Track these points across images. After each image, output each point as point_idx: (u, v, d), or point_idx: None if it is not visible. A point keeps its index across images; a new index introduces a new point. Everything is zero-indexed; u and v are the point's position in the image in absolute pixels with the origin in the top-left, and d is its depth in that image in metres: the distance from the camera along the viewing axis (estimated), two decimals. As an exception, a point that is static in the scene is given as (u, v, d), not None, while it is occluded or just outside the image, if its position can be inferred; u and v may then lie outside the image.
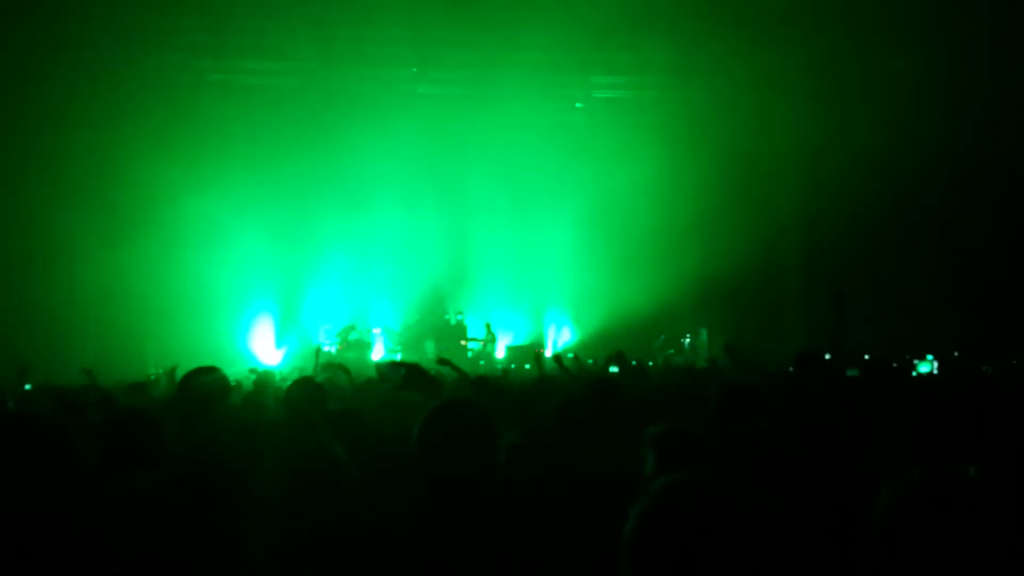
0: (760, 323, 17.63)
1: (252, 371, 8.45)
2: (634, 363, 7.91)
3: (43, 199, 15.40)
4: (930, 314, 16.25)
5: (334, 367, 6.56)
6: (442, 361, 6.54)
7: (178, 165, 16.01)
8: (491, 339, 17.91)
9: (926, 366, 6.05)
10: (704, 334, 17.61)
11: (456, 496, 2.11)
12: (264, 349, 17.83)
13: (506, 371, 9.35)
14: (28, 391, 7.02)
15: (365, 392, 5.58)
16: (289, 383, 4.85)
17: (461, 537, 1.99)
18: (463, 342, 17.72)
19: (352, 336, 17.56)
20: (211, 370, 3.90)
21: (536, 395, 5.06)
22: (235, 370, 8.94)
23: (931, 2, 14.59)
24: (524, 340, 18.63)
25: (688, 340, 17.92)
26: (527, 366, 14.05)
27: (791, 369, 7.40)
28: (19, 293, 14.70)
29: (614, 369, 7.38)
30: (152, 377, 10.68)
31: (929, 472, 1.59)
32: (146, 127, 16.32)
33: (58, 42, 15.53)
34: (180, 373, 10.43)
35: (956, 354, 13.29)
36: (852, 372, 3.75)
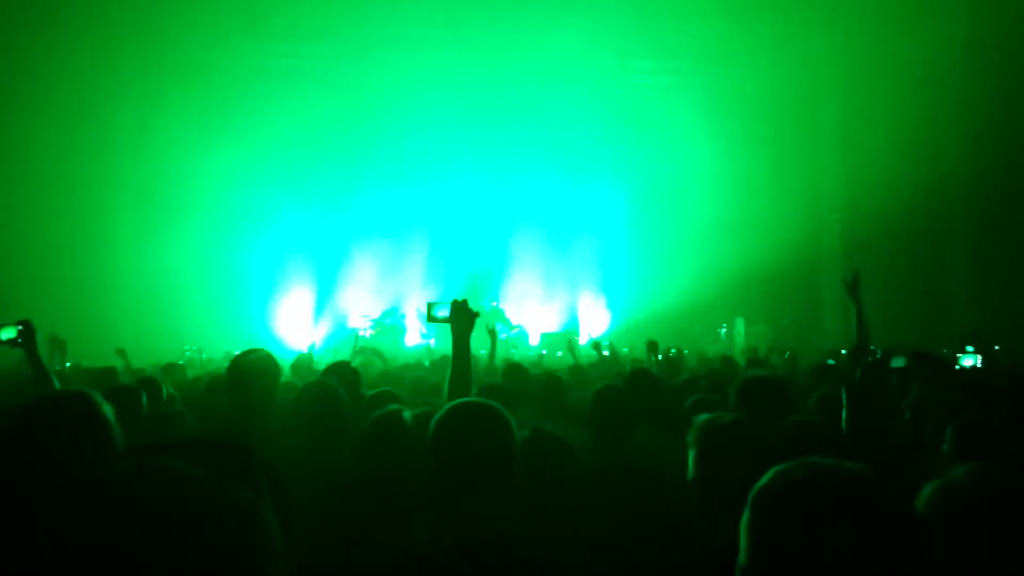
0: (798, 314, 17.40)
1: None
2: (672, 352, 7.85)
3: (81, 182, 15.64)
4: (970, 305, 15.92)
5: (368, 351, 6.58)
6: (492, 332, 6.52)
7: (217, 148, 16.21)
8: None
9: (969, 359, 5.88)
10: (741, 324, 17.43)
11: (470, 501, 2.08)
12: (301, 331, 18.00)
13: (540, 358, 9.32)
14: (65, 370, 7.11)
15: (399, 377, 5.60)
16: (324, 366, 4.87)
17: (474, 546, 1.96)
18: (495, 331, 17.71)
19: (388, 321, 17.67)
20: (258, 350, 3.95)
21: (570, 383, 5.02)
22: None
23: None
24: (560, 328, 18.59)
25: (724, 330, 17.75)
26: (559, 353, 14.02)
27: (830, 362, 7.31)
28: (58, 274, 14.95)
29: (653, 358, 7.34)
30: (188, 354, 10.85)
31: (974, 471, 1.55)
32: (184, 111, 16.50)
33: (96, 30, 15.71)
34: (207, 354, 10.60)
35: (997, 348, 13.01)
36: (898, 363, 3.65)
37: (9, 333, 3.65)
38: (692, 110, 17.17)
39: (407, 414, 3.07)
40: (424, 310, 3.51)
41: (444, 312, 3.39)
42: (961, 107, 15.17)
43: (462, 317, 3.34)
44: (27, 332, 3.67)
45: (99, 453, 1.85)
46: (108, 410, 1.98)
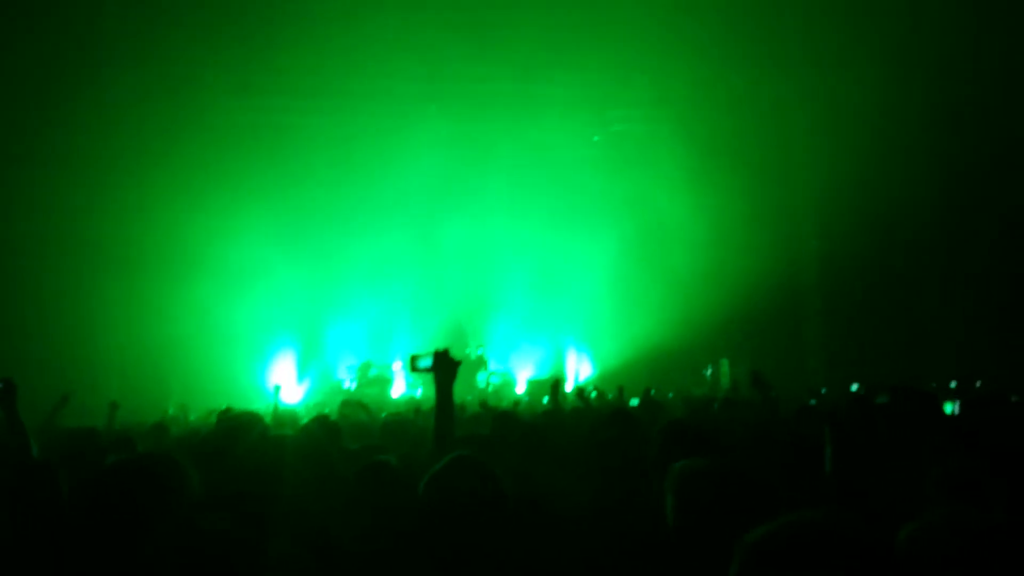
0: (781, 353, 17.47)
1: (276, 388, 8.44)
2: (652, 392, 7.85)
3: (67, 236, 15.62)
4: (943, 341, 16.02)
5: (352, 404, 6.54)
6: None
7: (200, 204, 16.23)
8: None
9: (948, 406, 5.85)
10: (726, 365, 17.47)
11: (461, 557, 2.07)
12: (285, 386, 17.87)
13: (517, 404, 9.30)
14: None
15: (387, 429, 5.56)
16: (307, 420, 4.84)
17: None
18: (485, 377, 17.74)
19: (372, 372, 17.62)
20: (243, 411, 3.97)
21: (547, 428, 5.00)
22: (258, 406, 8.94)
23: (943, 29, 14.56)
24: (544, 374, 18.58)
25: (709, 371, 17.77)
26: (544, 400, 13.99)
27: (812, 402, 7.33)
28: (46, 329, 14.83)
29: (634, 402, 7.31)
30: (171, 413, 10.73)
31: (951, 514, 1.55)
32: (168, 166, 16.55)
33: (86, 85, 15.81)
34: (192, 411, 10.49)
35: (978, 384, 13.06)
36: (882, 399, 3.66)
37: None
38: (668, 156, 17.42)
39: (394, 461, 3.07)
40: (408, 361, 3.53)
41: (426, 363, 3.41)
42: (935, 141, 15.46)
43: (444, 367, 3.35)
44: (7, 390, 3.63)
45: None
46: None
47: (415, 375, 17.77)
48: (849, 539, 1.27)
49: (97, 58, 15.61)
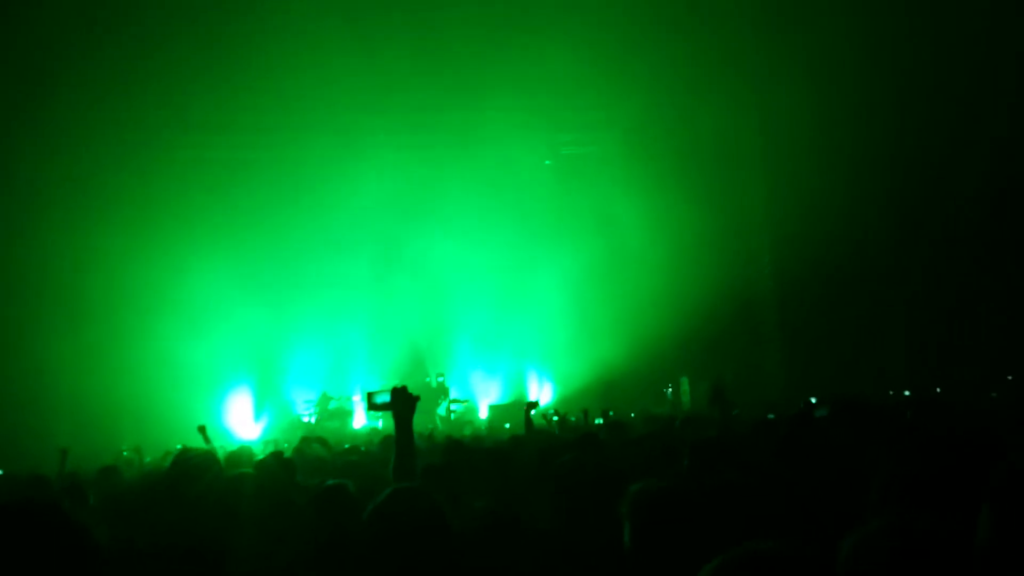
0: (740, 369, 17.65)
1: (200, 429, 8.21)
2: (611, 414, 7.89)
3: (10, 281, 15.27)
4: (898, 351, 16.33)
5: (310, 440, 6.47)
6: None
7: (148, 241, 16.02)
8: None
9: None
10: (686, 383, 17.60)
11: None
12: (242, 423, 17.60)
13: (477, 438, 9.29)
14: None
15: (346, 462, 5.51)
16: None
17: None
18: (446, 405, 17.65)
19: (331, 405, 17.45)
20: (197, 450, 3.90)
21: (512, 452, 5.01)
22: (215, 444, 8.79)
23: (880, 39, 14.97)
24: (506, 399, 18.54)
25: (670, 390, 17.88)
26: (507, 425, 13.96)
27: (771, 416, 7.43)
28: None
29: (598, 421, 7.35)
30: (125, 455, 10.51)
31: (892, 522, 1.59)
32: (113, 204, 16.31)
33: (28, 126, 15.58)
34: (146, 453, 10.28)
35: (939, 390, 13.31)
36: (821, 412, 3.74)
37: None
38: (621, 178, 17.58)
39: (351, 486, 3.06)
40: (365, 399, 3.51)
41: (384, 398, 3.39)
42: (891, 150, 15.81)
43: (402, 403, 3.34)
44: None
45: None
46: None
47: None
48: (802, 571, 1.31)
49: (40, 98, 15.40)
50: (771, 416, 7.34)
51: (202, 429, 7.95)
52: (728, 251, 18.07)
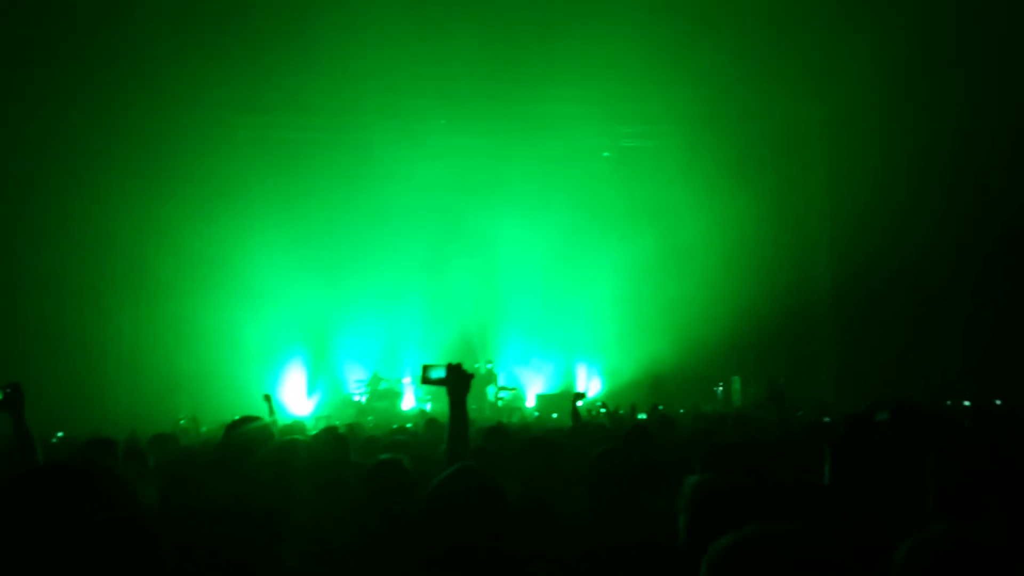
0: (793, 371, 17.39)
1: (266, 397, 8.45)
2: (660, 408, 7.83)
3: (76, 254, 15.74)
4: (957, 359, 15.91)
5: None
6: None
7: (210, 219, 16.36)
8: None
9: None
10: (737, 382, 17.40)
11: (465, 569, 2.08)
12: (295, 398, 17.92)
13: (524, 427, 9.32)
14: (56, 442, 7.08)
15: (394, 442, 5.58)
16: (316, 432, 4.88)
17: None
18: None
19: (381, 385, 17.66)
20: (253, 419, 3.93)
21: (558, 441, 5.01)
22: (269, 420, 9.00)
23: (957, 46, 14.56)
24: (554, 389, 18.55)
25: (720, 389, 17.71)
26: (554, 415, 13.98)
27: (826, 420, 7.30)
28: (57, 344, 14.94)
29: (642, 416, 7.30)
30: (182, 424, 10.80)
31: (950, 529, 1.56)
32: (177, 182, 16.72)
33: (99, 109, 16.00)
34: (202, 421, 10.54)
35: (998, 402, 12.94)
36: (881, 416, 3.66)
37: None
38: (680, 172, 17.37)
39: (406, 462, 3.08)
40: (420, 371, 3.48)
41: (439, 374, 3.37)
42: (948, 159, 15.40)
43: (457, 380, 3.33)
44: (14, 396, 3.58)
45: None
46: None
47: (425, 389, 17.80)
48: (817, 550, 1.30)
49: (108, 81, 15.77)
50: (826, 420, 7.21)
51: (268, 398, 8.17)
52: (785, 251, 17.78)
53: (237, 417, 4.03)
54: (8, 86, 14.85)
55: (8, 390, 3.58)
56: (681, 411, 12.19)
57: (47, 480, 1.68)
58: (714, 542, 1.94)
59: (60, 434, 8.10)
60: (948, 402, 13.20)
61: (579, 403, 7.03)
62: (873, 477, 2.94)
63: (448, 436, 3.20)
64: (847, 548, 1.32)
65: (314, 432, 5.78)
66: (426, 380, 3.42)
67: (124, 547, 1.61)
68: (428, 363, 3.45)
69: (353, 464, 4.01)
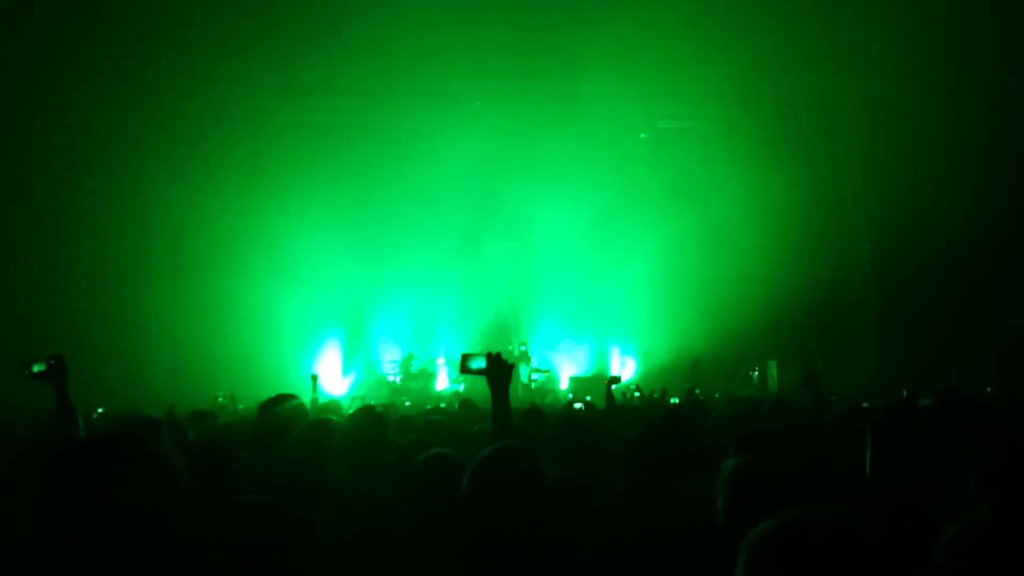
0: (830, 357, 17.18)
1: (313, 377, 8.59)
2: (697, 392, 7.80)
3: (117, 235, 15.99)
4: (995, 347, 15.57)
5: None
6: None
7: (248, 200, 16.52)
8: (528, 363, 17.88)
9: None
10: (773, 367, 17.22)
11: (504, 548, 2.07)
12: (331, 377, 18.09)
13: (570, 404, 9.35)
14: (97, 417, 7.22)
15: (430, 422, 5.61)
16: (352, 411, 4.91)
17: None
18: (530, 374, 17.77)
19: (415, 366, 17.77)
20: (289, 398, 3.96)
21: (591, 422, 5.00)
22: (305, 399, 9.11)
23: (1002, 29, 14.20)
24: (588, 372, 18.53)
25: (756, 373, 17.55)
26: (588, 398, 13.96)
27: (865, 405, 7.21)
28: (96, 323, 15.19)
29: (674, 401, 7.27)
30: (220, 401, 10.96)
31: (996, 513, 1.53)
32: (216, 164, 16.90)
33: (136, 92, 16.16)
34: (239, 399, 10.68)
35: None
36: (924, 402, 3.60)
37: (40, 367, 3.63)
38: (717, 154, 17.17)
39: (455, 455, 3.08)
40: (456, 359, 3.49)
41: (479, 364, 3.35)
42: (992, 144, 15.04)
43: (498, 370, 3.31)
44: (58, 367, 3.61)
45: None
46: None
47: (456, 371, 17.89)
48: (858, 535, 1.28)
49: (146, 65, 15.93)
50: (865, 405, 7.12)
51: (314, 378, 8.28)
52: (823, 233, 17.55)
53: (272, 395, 4.06)
54: (46, 70, 15.08)
55: (51, 361, 3.63)
56: (716, 396, 12.12)
57: (92, 451, 1.73)
58: (752, 525, 1.92)
59: (100, 410, 8.25)
60: (988, 389, 12.99)
61: (613, 387, 7.01)
62: (915, 463, 2.90)
63: (491, 425, 3.20)
64: (892, 533, 1.30)
65: (350, 412, 5.84)
66: (465, 370, 3.40)
67: (156, 518, 1.65)
68: (467, 352, 3.43)
69: (390, 443, 4.03)
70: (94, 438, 1.83)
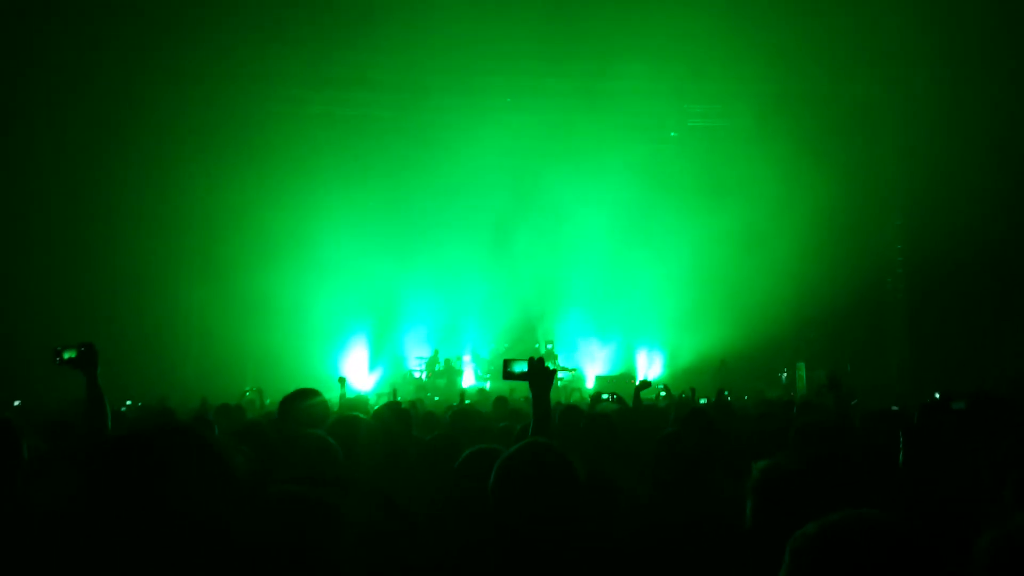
0: (861, 357, 16.97)
1: (341, 380, 8.64)
2: (726, 393, 7.74)
3: (148, 230, 16.16)
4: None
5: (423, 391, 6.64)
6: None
7: (278, 195, 16.64)
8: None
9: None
10: (802, 368, 17.04)
11: (535, 546, 2.05)
12: (358, 373, 18.18)
13: (595, 399, 9.32)
14: (125, 410, 7.29)
15: (456, 420, 5.61)
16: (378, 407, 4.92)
17: None
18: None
19: (441, 364, 17.81)
20: (312, 394, 3.96)
21: (620, 422, 4.97)
22: (331, 395, 9.17)
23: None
24: (614, 371, 18.45)
25: (785, 375, 17.37)
26: (615, 395, 13.88)
27: (895, 408, 7.10)
28: (128, 318, 15.37)
29: (703, 401, 7.21)
30: (247, 395, 11.05)
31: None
32: (246, 158, 17.05)
33: (165, 88, 16.34)
34: (267, 394, 10.76)
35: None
36: (958, 405, 3.54)
37: (71, 354, 3.66)
38: (748, 154, 17.02)
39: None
40: (482, 356, 3.53)
41: (521, 368, 3.40)
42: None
43: (540, 375, 3.35)
44: (88, 354, 3.63)
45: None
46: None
47: (484, 367, 17.91)
48: (905, 539, 1.26)
49: (177, 59, 16.09)
50: (895, 408, 7.01)
51: (342, 381, 8.32)
52: (855, 234, 17.32)
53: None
54: (77, 65, 15.28)
55: (82, 348, 3.66)
56: (746, 397, 12.02)
57: (148, 442, 1.72)
58: (781, 526, 1.89)
59: (128, 403, 8.35)
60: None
61: (642, 391, 6.96)
62: (948, 466, 2.85)
63: (532, 429, 3.21)
64: (934, 537, 1.28)
65: (376, 408, 5.85)
66: (508, 375, 3.46)
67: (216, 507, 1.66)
68: (509, 358, 3.50)
69: (415, 439, 4.03)
70: (150, 429, 1.81)
